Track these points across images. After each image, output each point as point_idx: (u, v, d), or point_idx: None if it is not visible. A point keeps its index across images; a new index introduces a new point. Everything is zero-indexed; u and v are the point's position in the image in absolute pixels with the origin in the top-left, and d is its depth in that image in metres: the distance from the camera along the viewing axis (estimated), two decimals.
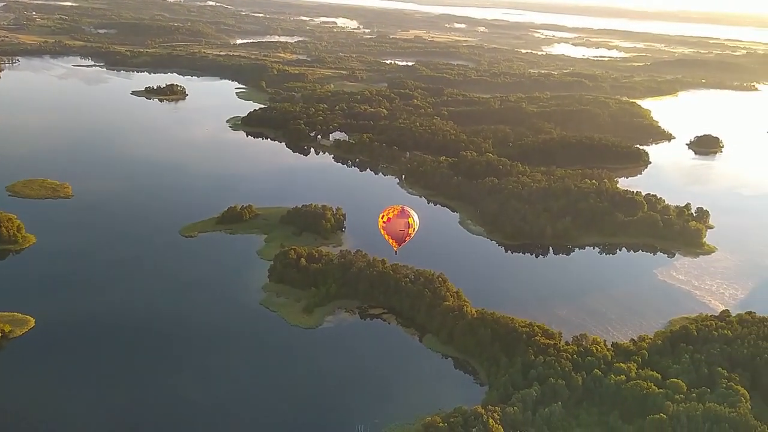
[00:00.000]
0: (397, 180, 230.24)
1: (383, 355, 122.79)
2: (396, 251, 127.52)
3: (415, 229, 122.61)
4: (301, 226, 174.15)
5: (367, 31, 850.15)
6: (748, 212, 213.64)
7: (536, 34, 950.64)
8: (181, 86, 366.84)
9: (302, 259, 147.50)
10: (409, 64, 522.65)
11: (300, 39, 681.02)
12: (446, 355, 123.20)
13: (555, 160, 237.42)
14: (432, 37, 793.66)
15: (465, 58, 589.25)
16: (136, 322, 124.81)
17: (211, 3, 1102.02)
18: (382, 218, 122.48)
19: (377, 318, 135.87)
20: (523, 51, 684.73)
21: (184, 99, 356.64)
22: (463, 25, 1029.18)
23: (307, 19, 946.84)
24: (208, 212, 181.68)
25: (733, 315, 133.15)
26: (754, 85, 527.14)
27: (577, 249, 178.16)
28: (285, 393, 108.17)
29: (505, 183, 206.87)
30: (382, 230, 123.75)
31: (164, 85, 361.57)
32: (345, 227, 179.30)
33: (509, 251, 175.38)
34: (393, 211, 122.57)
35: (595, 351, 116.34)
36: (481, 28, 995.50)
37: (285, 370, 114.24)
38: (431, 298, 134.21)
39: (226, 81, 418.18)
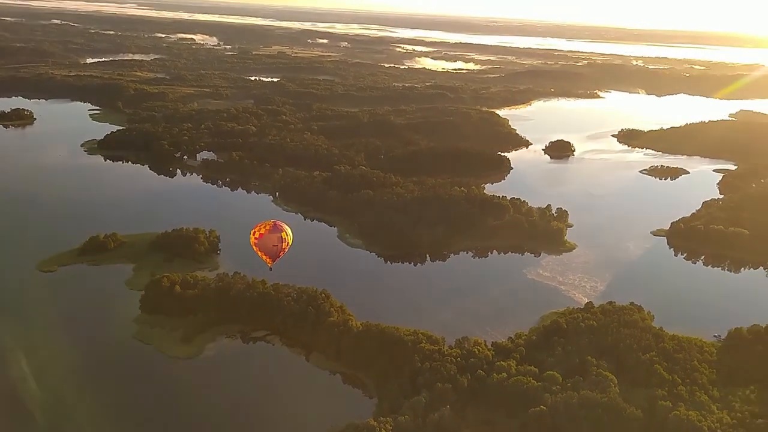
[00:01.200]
0: (271, 197, 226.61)
1: (270, 378, 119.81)
2: (270, 267, 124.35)
3: (289, 244, 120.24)
4: (172, 251, 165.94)
5: (228, 47, 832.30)
6: (601, 210, 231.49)
7: (398, 49, 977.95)
8: (27, 110, 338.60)
9: (176, 286, 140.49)
10: (275, 80, 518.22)
11: (157, 57, 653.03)
12: (334, 371, 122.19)
13: (425, 170, 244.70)
14: (295, 53, 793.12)
15: (330, 72, 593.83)
16: None
17: (56, 21, 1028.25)
18: (253, 235, 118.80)
19: (261, 341, 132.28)
20: (387, 65, 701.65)
21: (32, 124, 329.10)
22: (325, 41, 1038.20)
23: (164, 35, 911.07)
24: (68, 244, 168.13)
25: (596, 306, 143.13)
26: (596, 93, 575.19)
27: (452, 255, 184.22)
28: (168, 428, 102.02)
29: (380, 194, 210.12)
30: (254, 247, 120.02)
31: (8, 110, 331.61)
32: (220, 250, 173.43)
33: (389, 261, 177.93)
34: (265, 227, 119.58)
35: (477, 352, 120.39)
36: (344, 43, 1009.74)
37: (166, 405, 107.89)
38: (315, 315, 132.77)
39: (78, 103, 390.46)
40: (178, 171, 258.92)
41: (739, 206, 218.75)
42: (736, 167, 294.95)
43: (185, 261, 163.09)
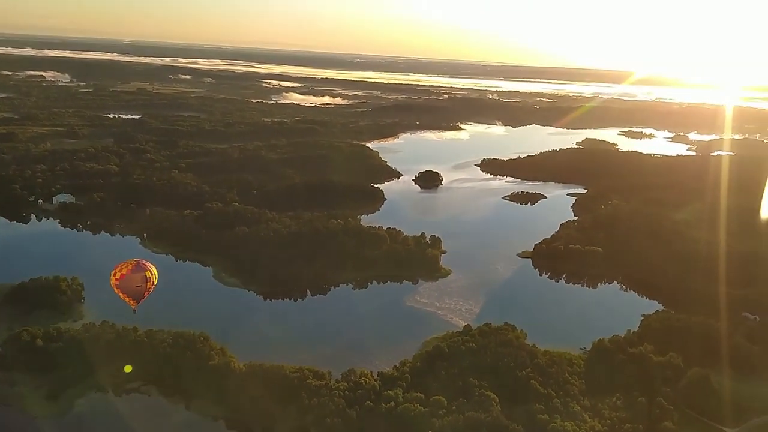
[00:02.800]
0: (139, 239, 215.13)
1: (147, 431, 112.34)
2: (134, 309, 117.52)
3: (155, 283, 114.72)
4: (30, 303, 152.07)
5: (82, 84, 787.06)
6: (471, 235, 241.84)
7: (264, 84, 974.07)
8: None
9: (38, 340, 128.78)
10: (136, 117, 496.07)
11: (4, 95, 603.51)
12: (217, 417, 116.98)
13: (300, 204, 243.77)
14: (157, 89, 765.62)
15: (196, 108, 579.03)
16: None
17: None
18: (114, 276, 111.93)
19: (135, 392, 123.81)
20: (254, 100, 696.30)
21: None
22: (188, 76, 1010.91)
23: (10, 73, 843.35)
24: None
25: (474, 328, 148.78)
26: (458, 125, 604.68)
27: (332, 288, 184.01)
28: None
29: (255, 231, 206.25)
30: (115, 288, 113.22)
31: None
32: (84, 298, 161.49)
33: (268, 299, 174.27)
34: (126, 267, 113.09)
35: (364, 384, 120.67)
36: (208, 79, 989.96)
37: None
38: (194, 359, 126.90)
39: None
40: (33, 216, 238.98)
41: (592, 226, 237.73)
42: (586, 190, 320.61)
43: (46, 312, 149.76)
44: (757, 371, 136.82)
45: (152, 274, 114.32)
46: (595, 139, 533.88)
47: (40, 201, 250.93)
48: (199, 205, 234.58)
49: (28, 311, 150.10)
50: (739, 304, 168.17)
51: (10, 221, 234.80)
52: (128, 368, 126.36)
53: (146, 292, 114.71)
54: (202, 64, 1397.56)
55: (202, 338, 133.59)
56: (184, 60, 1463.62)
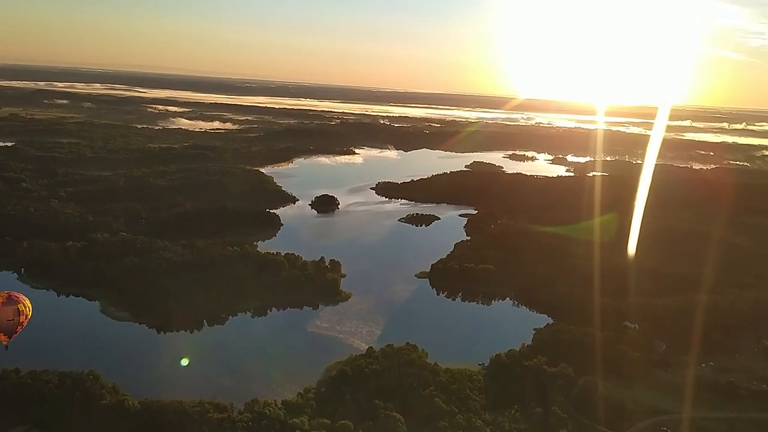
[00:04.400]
0: (16, 275, 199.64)
1: None
2: (6, 345, 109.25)
3: (28, 317, 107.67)
4: None
5: None
6: (369, 258, 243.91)
7: (149, 109, 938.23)
8: None
9: None
10: (9, 144, 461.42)
11: None
12: None
13: (193, 232, 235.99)
14: (31, 115, 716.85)
15: (75, 135, 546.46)
16: None
17: None
18: None
19: None
20: (139, 126, 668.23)
21: None
22: (65, 101, 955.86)
23: None
24: None
25: (377, 350, 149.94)
26: (352, 149, 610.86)
27: (230, 317, 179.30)
28: None
29: (146, 261, 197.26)
30: None
31: None
32: None
33: (162, 332, 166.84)
34: None
35: (268, 413, 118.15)
36: (87, 104, 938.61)
37: None
38: (84, 400, 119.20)
39: None
40: None
41: (484, 245, 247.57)
42: (476, 211, 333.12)
43: None
44: (640, 377, 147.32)
45: (25, 307, 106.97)
46: (483, 161, 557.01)
47: None
48: (83, 236, 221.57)
49: None
50: (619, 314, 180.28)
51: None
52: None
53: (19, 327, 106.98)
54: (79, 88, 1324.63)
55: (91, 377, 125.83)
56: (60, 84, 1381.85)
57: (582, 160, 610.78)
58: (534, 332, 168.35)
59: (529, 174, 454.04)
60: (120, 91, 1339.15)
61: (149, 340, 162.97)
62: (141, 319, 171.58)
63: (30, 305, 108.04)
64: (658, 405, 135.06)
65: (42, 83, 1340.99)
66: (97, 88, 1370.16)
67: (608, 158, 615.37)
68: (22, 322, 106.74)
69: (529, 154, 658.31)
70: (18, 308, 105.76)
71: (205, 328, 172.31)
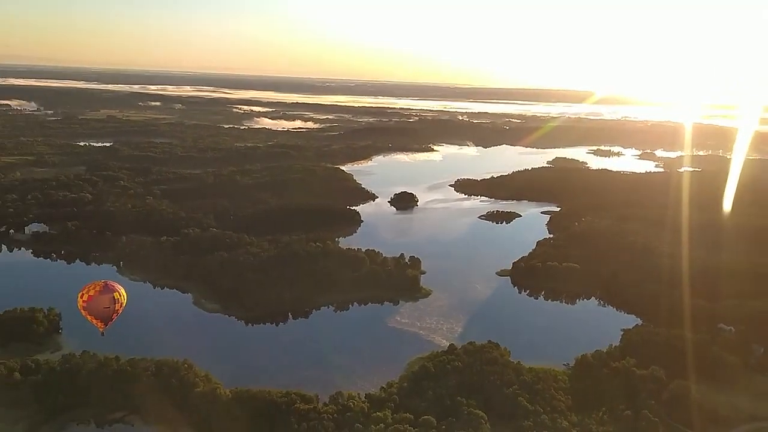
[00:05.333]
0: (115, 268, 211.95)
1: None
2: (102, 332, 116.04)
3: (123, 305, 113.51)
4: (6, 335, 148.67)
5: (49, 112, 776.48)
6: (449, 255, 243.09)
7: (235, 110, 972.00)
8: None
9: (15, 373, 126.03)
10: (107, 144, 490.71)
11: None
12: None
13: (278, 228, 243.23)
14: (127, 116, 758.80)
15: (168, 135, 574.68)
16: None
17: None
18: (81, 297, 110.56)
19: (119, 423, 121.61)
20: (226, 126, 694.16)
21: None
22: (158, 103, 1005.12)
23: None
24: None
25: (459, 347, 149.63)
26: (430, 146, 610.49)
27: (314, 311, 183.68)
28: None
29: (234, 256, 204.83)
30: (82, 311, 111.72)
31: None
32: (62, 328, 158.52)
33: (250, 324, 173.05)
34: (94, 288, 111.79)
35: (352, 406, 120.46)
36: (178, 105, 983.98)
37: None
38: (179, 387, 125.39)
39: None
40: (4, 247, 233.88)
41: (568, 243, 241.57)
42: (559, 208, 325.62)
43: (23, 344, 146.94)
44: (735, 382, 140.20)
45: (121, 296, 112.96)
46: (565, 157, 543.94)
47: (11, 231, 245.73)
48: (176, 232, 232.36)
49: (4, 344, 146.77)
50: (712, 316, 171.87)
51: None
52: None
53: (115, 314, 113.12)
54: (171, 90, 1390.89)
55: (186, 365, 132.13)
56: (152, 87, 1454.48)
57: (672, 155, 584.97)
58: (622, 333, 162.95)
59: (614, 170, 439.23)
60: (208, 92, 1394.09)
61: (238, 331, 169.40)
62: (230, 311, 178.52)
63: (125, 294, 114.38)
64: (756, 411, 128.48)
65: (136, 86, 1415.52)
66: (187, 90, 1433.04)
67: (700, 153, 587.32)
68: (118, 310, 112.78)
69: (615, 149, 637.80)
70: (114, 296, 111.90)
71: (290, 321, 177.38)
